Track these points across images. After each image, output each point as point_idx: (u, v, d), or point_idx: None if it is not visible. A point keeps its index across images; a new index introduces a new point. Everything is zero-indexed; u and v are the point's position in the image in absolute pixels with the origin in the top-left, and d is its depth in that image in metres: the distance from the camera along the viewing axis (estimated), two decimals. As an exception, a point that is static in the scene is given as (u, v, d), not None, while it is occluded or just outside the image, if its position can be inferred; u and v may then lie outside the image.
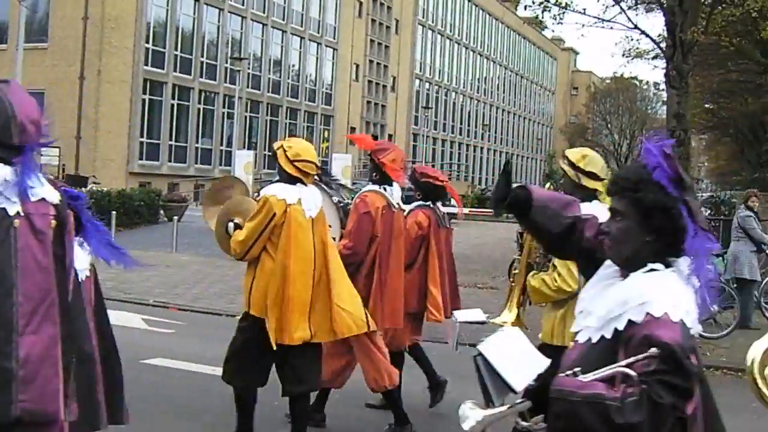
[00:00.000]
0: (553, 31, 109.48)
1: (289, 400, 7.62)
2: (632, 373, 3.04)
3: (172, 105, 53.19)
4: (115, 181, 41.76)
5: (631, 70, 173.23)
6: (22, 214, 3.97)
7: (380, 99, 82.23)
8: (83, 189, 32.55)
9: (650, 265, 3.31)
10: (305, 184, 7.50)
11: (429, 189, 8.93)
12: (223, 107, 57.09)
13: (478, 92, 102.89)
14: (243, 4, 59.42)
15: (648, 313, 3.14)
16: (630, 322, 3.19)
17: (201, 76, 55.42)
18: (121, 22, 47.91)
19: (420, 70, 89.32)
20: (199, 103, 55.60)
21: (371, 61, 79.95)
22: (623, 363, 3.10)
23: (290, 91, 66.14)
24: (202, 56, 55.63)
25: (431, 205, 8.97)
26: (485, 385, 3.20)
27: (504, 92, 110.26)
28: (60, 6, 47.07)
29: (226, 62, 55.72)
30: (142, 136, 50.12)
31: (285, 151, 7.38)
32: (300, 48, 67.22)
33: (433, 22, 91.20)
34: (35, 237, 4.03)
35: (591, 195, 6.09)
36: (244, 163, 36.30)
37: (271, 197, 7.28)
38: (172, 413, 8.97)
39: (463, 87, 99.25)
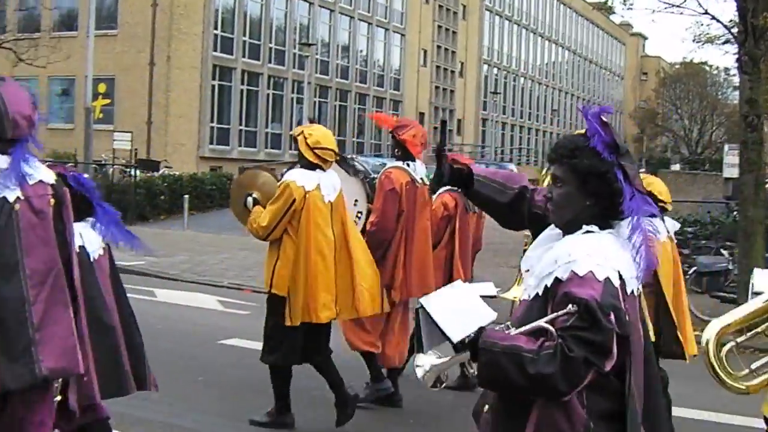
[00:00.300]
0: (622, 16, 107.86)
1: (316, 366, 8.10)
2: (550, 328, 3.25)
3: (242, 90, 52.57)
4: (186, 166, 41.39)
5: (701, 55, 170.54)
6: (22, 198, 4.44)
7: (448, 84, 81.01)
8: (155, 173, 32.13)
9: (585, 227, 3.48)
10: (324, 170, 7.85)
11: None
12: (292, 92, 56.34)
13: (546, 77, 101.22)
14: (311, -10, 58.68)
15: (572, 271, 3.32)
16: (557, 280, 3.37)
17: (270, 62, 54.73)
18: (189, 9, 47.41)
19: (488, 56, 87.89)
20: (269, 88, 54.92)
21: (439, 47, 78.81)
22: (546, 319, 3.30)
23: (359, 76, 65.24)
24: (271, 42, 54.89)
25: (459, 189, 8.82)
26: (420, 335, 3.42)
27: (572, 77, 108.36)
28: (129, -7, 46.66)
29: (295, 48, 54.88)
30: (212, 121, 49.61)
31: (305, 138, 7.75)
32: (367, 34, 66.27)
33: (500, 7, 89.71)
34: (36, 216, 4.50)
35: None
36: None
37: (291, 183, 7.67)
38: (251, 391, 9.03)
39: (531, 72, 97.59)
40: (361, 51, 66.28)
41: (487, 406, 3.68)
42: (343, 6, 62.48)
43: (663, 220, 7.00)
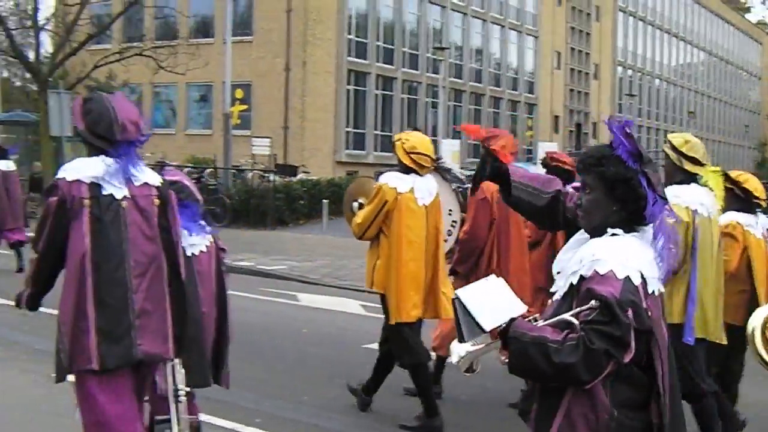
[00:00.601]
0: (762, 16, 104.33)
1: (411, 374, 8.20)
2: (575, 321, 3.54)
3: (377, 95, 51.82)
4: (322, 170, 40.78)
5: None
6: (128, 196, 5.06)
7: (583, 87, 79.11)
8: (293, 178, 31.65)
9: (611, 230, 3.75)
10: (420, 174, 8.00)
11: (558, 173, 8.54)
12: (427, 97, 55.27)
13: (681, 78, 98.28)
14: (443, -6, 57.59)
15: (595, 270, 3.62)
16: (581, 278, 3.68)
17: (404, 66, 53.87)
18: (323, 14, 46.78)
19: (622, 57, 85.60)
20: (403, 92, 54.07)
21: (572, 49, 77.03)
22: (570, 313, 3.61)
23: (492, 79, 63.81)
24: (404, 46, 54.02)
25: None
26: (459, 324, 3.68)
27: (708, 78, 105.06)
28: (263, 0, 46.23)
29: (428, 52, 53.89)
30: (348, 126, 48.93)
31: (402, 143, 7.95)
32: (500, 37, 64.92)
33: (633, 7, 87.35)
34: (140, 214, 5.09)
35: (691, 178, 6.73)
36: (451, 152, 35.05)
37: (384, 185, 7.94)
38: (397, 396, 9.01)
39: (666, 73, 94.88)
40: (495, 54, 64.91)
41: (536, 405, 3.87)
42: (475, 9, 61.24)
43: (757, 217, 7.59)
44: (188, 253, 5.95)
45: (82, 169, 5.10)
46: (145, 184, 5.24)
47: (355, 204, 8.70)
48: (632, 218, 3.76)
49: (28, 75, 54.20)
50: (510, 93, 66.07)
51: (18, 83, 60.58)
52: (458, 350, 3.72)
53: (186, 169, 31.79)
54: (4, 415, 8.06)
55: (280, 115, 45.67)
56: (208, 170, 32.51)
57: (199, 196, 6.28)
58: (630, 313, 3.50)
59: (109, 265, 5.05)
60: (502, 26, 64.89)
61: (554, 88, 73.09)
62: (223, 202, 28.15)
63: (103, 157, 5.11)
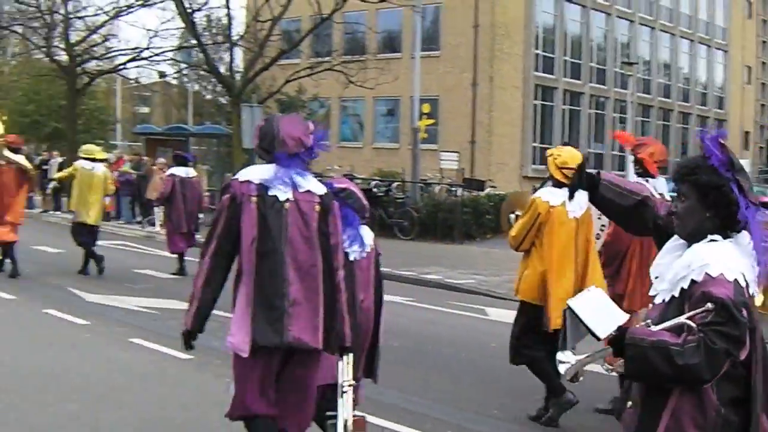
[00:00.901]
0: None
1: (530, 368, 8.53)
2: (692, 324, 3.64)
3: (564, 110, 50.59)
4: (509, 185, 39.87)
5: None
6: (291, 199, 5.76)
7: (774, 102, 76.01)
8: (480, 192, 31.06)
9: (710, 237, 3.86)
10: None
11: None
12: (614, 112, 53.64)
13: None
14: (630, 8, 55.67)
15: (707, 273, 3.70)
16: (692, 282, 3.75)
17: (591, 81, 52.44)
18: (510, 29, 45.86)
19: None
20: (591, 107, 52.68)
21: (764, 63, 74.06)
22: (686, 316, 3.68)
23: (681, 95, 61.58)
24: (592, 61, 52.62)
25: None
26: (565, 333, 3.86)
27: None
28: (450, 15, 45.64)
29: (616, 67, 52.29)
30: (534, 141, 47.84)
31: (554, 158, 8.20)
32: (689, 51, 62.61)
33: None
34: (301, 217, 5.76)
35: None
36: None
37: (537, 199, 8.26)
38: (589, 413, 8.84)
39: None
40: (683, 69, 62.59)
41: (630, 403, 3.98)
42: (663, 23, 59.17)
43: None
44: (350, 258, 6.30)
45: (253, 172, 5.87)
46: (308, 191, 5.87)
47: (512, 216, 9.23)
48: (726, 224, 3.86)
49: (218, 88, 55.45)
50: (699, 108, 63.63)
51: (208, 96, 61.94)
52: (567, 359, 3.84)
53: (373, 183, 31.54)
54: (201, 419, 8.21)
55: (467, 130, 45.04)
56: (396, 184, 32.13)
57: (365, 203, 6.62)
58: (744, 312, 3.63)
59: (269, 256, 5.69)
60: (691, 40, 62.56)
61: (744, 103, 70.24)
62: (410, 215, 27.70)
63: (272, 165, 5.84)
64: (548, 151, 8.47)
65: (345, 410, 5.94)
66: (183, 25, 32.72)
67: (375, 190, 29.45)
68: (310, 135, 5.94)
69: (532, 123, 48.05)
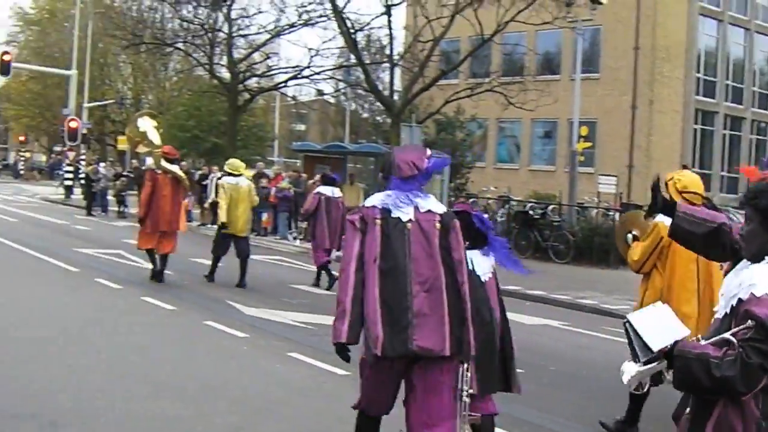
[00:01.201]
0: None
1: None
2: (733, 339, 3.90)
3: (724, 135, 48.98)
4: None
5: None
6: (413, 219, 6.18)
7: None
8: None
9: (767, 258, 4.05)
10: None
11: None
12: (776, 138, 51.83)
13: None
14: (795, 32, 53.75)
15: (752, 293, 3.94)
16: (739, 300, 4.03)
17: (753, 106, 50.58)
18: (671, 52, 44.58)
19: None
20: (752, 133, 50.90)
21: None
22: (730, 332, 3.95)
23: None
24: (754, 85, 50.73)
25: None
26: (633, 346, 4.14)
27: None
28: (611, 37, 44.53)
29: (778, 92, 50.49)
30: (693, 166, 46.41)
31: (675, 183, 8.39)
32: None
33: None
34: (423, 235, 6.15)
35: None
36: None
37: (660, 223, 8.00)
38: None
39: None
40: None
41: (688, 409, 4.23)
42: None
43: None
44: (482, 279, 6.88)
45: (376, 198, 6.35)
46: (429, 210, 6.29)
47: (629, 236, 9.08)
48: None
49: (375, 107, 55.71)
50: None
51: (365, 115, 62.37)
52: (629, 370, 4.15)
53: (529, 205, 31.07)
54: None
55: (624, 153, 43.91)
56: (552, 206, 31.56)
57: (482, 229, 7.06)
58: None
59: (393, 273, 6.08)
60: None
61: None
62: (566, 238, 27.11)
63: (392, 190, 6.31)
64: (668, 175, 8.51)
65: (466, 412, 6.41)
66: (344, 44, 32.90)
67: (531, 212, 29.01)
68: (425, 159, 6.42)
69: (691, 148, 46.73)
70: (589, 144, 36.62)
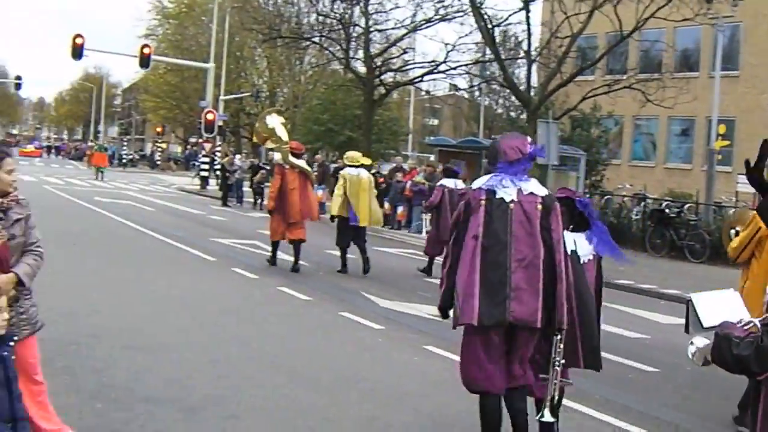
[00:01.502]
0: None
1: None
2: (758, 324, 4.21)
3: None
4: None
5: None
6: (516, 200, 6.70)
7: None
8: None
9: None
10: None
11: None
12: None
13: None
14: None
15: None
16: None
17: None
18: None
19: None
20: None
21: None
22: (763, 317, 4.26)
23: None
24: None
25: None
26: (687, 320, 4.62)
27: None
28: (751, 34, 43.43)
29: None
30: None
31: None
32: None
33: None
34: (524, 215, 6.68)
35: None
36: None
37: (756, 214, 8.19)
38: None
39: None
40: None
41: None
42: None
43: None
44: (582, 261, 7.34)
45: (482, 180, 6.94)
46: (531, 193, 6.78)
47: (732, 231, 9.54)
48: None
49: (509, 103, 55.70)
50: None
51: (499, 110, 62.34)
52: (694, 346, 4.51)
53: (665, 203, 30.80)
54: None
55: (764, 152, 42.74)
56: (688, 205, 31.23)
57: (584, 213, 7.52)
58: None
59: (494, 250, 6.68)
60: None
61: None
62: (702, 238, 26.76)
63: (498, 173, 6.87)
64: None
65: (555, 380, 6.96)
66: (481, 39, 33.10)
67: (667, 211, 28.77)
68: (528, 145, 7.00)
69: None
70: (727, 142, 36.15)
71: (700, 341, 4.46)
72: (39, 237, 6.34)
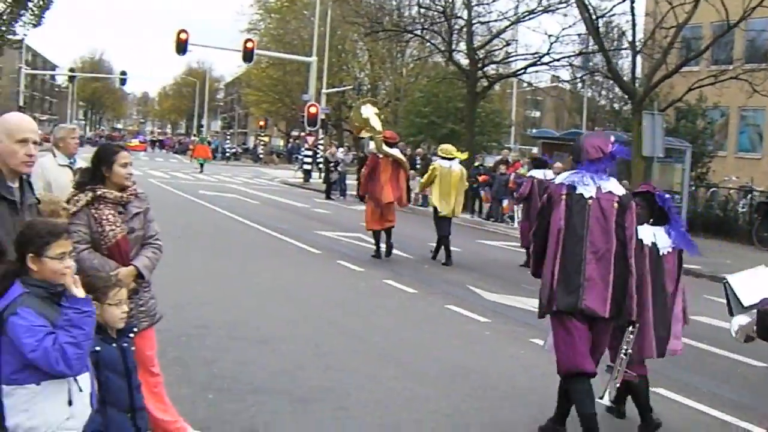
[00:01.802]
0: None
1: None
2: None
3: None
4: None
5: None
6: (594, 197, 7.23)
7: None
8: None
9: None
10: None
11: None
12: None
13: None
14: None
15: None
16: None
17: None
18: None
19: None
20: None
21: None
22: None
23: None
24: None
25: None
26: (729, 302, 5.04)
27: None
28: None
29: None
30: None
31: None
32: None
33: None
34: (601, 212, 7.21)
35: None
36: None
37: None
38: None
39: None
40: None
41: None
42: None
43: None
44: (661, 253, 7.88)
45: (564, 176, 7.49)
46: (610, 192, 7.32)
47: None
48: None
49: (611, 95, 54.99)
50: None
51: (602, 102, 61.62)
52: (735, 324, 4.92)
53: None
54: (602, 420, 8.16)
55: None
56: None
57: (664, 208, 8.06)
58: None
59: (572, 242, 7.22)
60: None
61: None
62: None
63: (579, 170, 7.41)
64: None
65: (621, 368, 7.60)
66: (584, 30, 32.74)
67: (774, 204, 28.20)
68: (609, 144, 7.46)
69: None
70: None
71: (743, 319, 4.85)
72: (157, 230, 6.50)
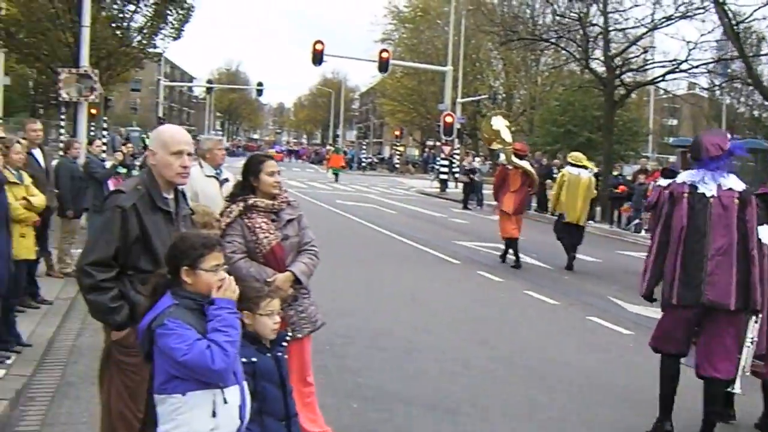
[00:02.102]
0: None
1: None
2: None
3: None
4: None
5: None
6: (715, 195, 7.44)
7: None
8: None
9: None
10: None
11: None
12: None
13: None
14: None
15: None
16: None
17: None
18: None
19: None
20: None
21: None
22: None
23: None
24: None
25: None
26: None
27: None
28: None
29: None
30: None
31: None
32: None
33: None
34: (723, 209, 7.41)
35: None
36: None
37: None
38: None
39: None
40: None
41: None
42: None
43: None
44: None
45: (685, 175, 7.69)
46: (730, 188, 7.53)
47: None
48: None
49: (751, 101, 53.66)
50: None
51: (742, 109, 60.22)
52: None
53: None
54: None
55: None
56: None
57: None
58: None
59: (693, 238, 7.48)
60: None
61: None
62: None
63: (699, 170, 7.61)
64: None
65: (748, 357, 7.60)
66: (723, 37, 32.01)
67: None
68: (728, 142, 7.66)
69: None
70: None
71: None
72: (313, 237, 6.61)
